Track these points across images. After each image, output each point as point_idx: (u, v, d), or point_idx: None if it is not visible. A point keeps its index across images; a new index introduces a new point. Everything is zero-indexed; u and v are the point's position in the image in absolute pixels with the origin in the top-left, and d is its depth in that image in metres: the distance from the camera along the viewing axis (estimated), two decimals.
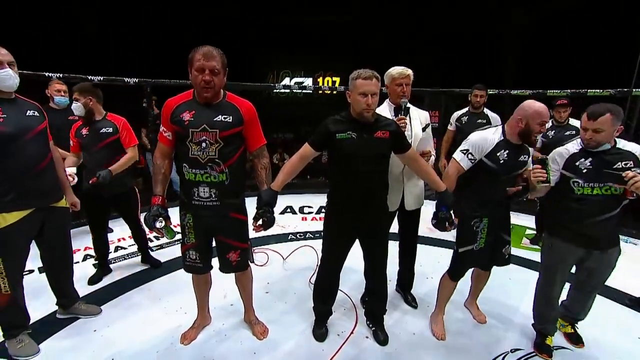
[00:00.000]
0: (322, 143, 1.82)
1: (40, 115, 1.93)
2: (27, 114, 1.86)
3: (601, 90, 4.10)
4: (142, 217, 2.90)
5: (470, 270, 2.25)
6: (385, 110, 2.19)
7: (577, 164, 1.83)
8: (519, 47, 8.86)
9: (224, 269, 1.98)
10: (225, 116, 1.70)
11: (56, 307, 2.29)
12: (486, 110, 3.58)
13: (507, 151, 1.87)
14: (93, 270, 2.88)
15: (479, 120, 3.48)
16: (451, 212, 1.87)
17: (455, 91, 5.18)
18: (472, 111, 3.63)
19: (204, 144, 1.68)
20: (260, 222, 1.74)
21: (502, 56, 9.02)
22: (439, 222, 1.87)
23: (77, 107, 2.51)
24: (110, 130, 2.61)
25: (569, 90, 4.22)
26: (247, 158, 1.90)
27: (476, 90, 3.52)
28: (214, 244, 1.97)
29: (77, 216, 3.02)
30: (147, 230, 2.96)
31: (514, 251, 3.31)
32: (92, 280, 2.73)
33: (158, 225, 1.74)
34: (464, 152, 1.94)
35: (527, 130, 1.81)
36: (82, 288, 2.57)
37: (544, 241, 2.06)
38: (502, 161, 1.88)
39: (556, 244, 1.95)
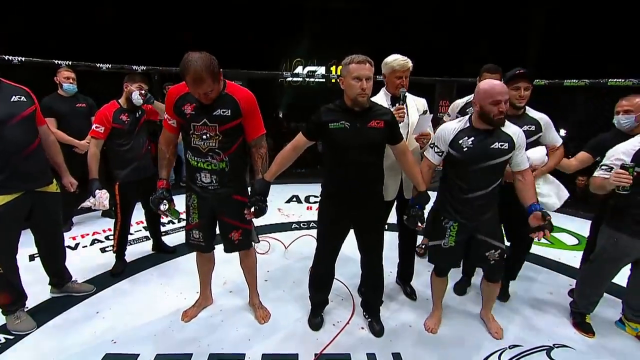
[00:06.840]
0: (316, 132, 1.81)
1: (27, 100, 1.90)
2: (12, 99, 1.83)
3: (623, 80, 3.88)
4: None
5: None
6: (382, 99, 2.13)
7: None
8: (540, 33, 8.48)
9: (227, 248, 2.05)
10: (224, 110, 1.74)
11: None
12: (531, 111, 2.15)
13: (472, 138, 1.75)
14: (100, 255, 2.96)
15: (525, 127, 2.02)
16: (424, 211, 1.87)
17: (468, 80, 5.01)
18: (512, 113, 1.99)
19: (204, 136, 1.76)
20: (252, 209, 1.81)
21: (523, 43, 8.65)
22: (410, 218, 1.89)
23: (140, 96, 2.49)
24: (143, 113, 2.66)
25: (587, 80, 4.03)
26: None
27: (519, 81, 2.02)
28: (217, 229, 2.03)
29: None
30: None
31: None
32: (116, 272, 2.64)
33: (162, 207, 1.86)
34: (431, 145, 1.90)
35: (484, 113, 1.71)
36: (87, 272, 2.64)
37: (606, 235, 2.02)
38: (465, 149, 1.76)
39: (622, 240, 1.93)
